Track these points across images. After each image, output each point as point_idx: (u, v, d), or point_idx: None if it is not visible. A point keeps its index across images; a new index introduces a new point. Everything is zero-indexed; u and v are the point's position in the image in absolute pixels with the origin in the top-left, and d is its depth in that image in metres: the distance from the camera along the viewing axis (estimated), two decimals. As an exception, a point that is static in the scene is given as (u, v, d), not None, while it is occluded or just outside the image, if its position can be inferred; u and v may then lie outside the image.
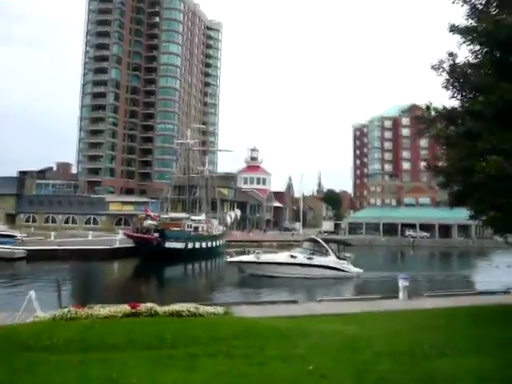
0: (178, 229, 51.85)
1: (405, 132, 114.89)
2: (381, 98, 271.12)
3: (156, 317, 10.80)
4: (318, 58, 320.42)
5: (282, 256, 35.02)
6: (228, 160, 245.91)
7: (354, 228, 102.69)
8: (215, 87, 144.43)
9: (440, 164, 14.87)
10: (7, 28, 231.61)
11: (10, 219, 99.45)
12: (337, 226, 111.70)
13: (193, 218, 57.93)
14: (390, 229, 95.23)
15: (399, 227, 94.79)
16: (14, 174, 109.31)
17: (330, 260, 34.32)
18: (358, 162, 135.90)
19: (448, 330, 9.69)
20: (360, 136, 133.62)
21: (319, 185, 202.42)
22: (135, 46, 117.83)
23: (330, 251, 34.81)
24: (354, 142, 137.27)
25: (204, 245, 52.48)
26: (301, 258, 34.13)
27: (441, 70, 11.89)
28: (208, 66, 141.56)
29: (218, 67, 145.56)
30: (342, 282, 32.22)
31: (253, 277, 32.86)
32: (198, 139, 73.79)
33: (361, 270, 35.03)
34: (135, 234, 48.71)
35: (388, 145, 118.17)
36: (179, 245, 47.07)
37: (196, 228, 55.71)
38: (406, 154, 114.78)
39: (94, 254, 43.11)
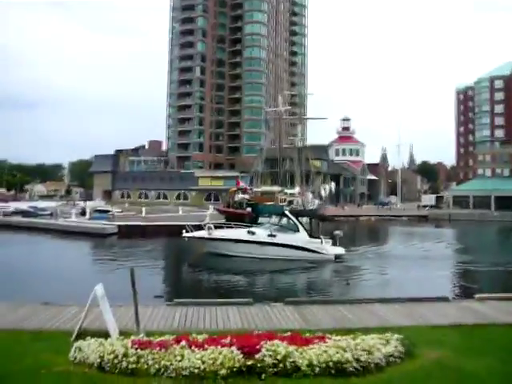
0: (272, 203, 48.39)
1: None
2: (488, 56, 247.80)
3: (296, 378, 5.87)
4: (415, 13, 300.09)
5: (239, 232, 30.18)
6: (317, 132, 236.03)
7: (458, 202, 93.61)
8: (302, 56, 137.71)
9: None
10: (99, 18, 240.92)
11: (107, 195, 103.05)
12: (438, 199, 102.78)
13: (286, 191, 54.01)
14: (503, 202, 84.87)
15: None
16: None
17: (298, 238, 29.00)
18: (461, 128, 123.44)
19: None
20: (464, 100, 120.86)
21: (411, 156, 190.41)
22: (220, 17, 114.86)
23: (300, 227, 29.55)
24: (458, 107, 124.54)
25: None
26: (261, 234, 29.21)
27: None
28: (294, 34, 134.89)
29: (304, 35, 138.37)
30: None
31: (210, 255, 29.12)
32: (288, 109, 69.07)
33: (342, 251, 29.38)
34: (227, 209, 46.15)
35: (499, 108, 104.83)
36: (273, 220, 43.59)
37: (290, 202, 51.91)
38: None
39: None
